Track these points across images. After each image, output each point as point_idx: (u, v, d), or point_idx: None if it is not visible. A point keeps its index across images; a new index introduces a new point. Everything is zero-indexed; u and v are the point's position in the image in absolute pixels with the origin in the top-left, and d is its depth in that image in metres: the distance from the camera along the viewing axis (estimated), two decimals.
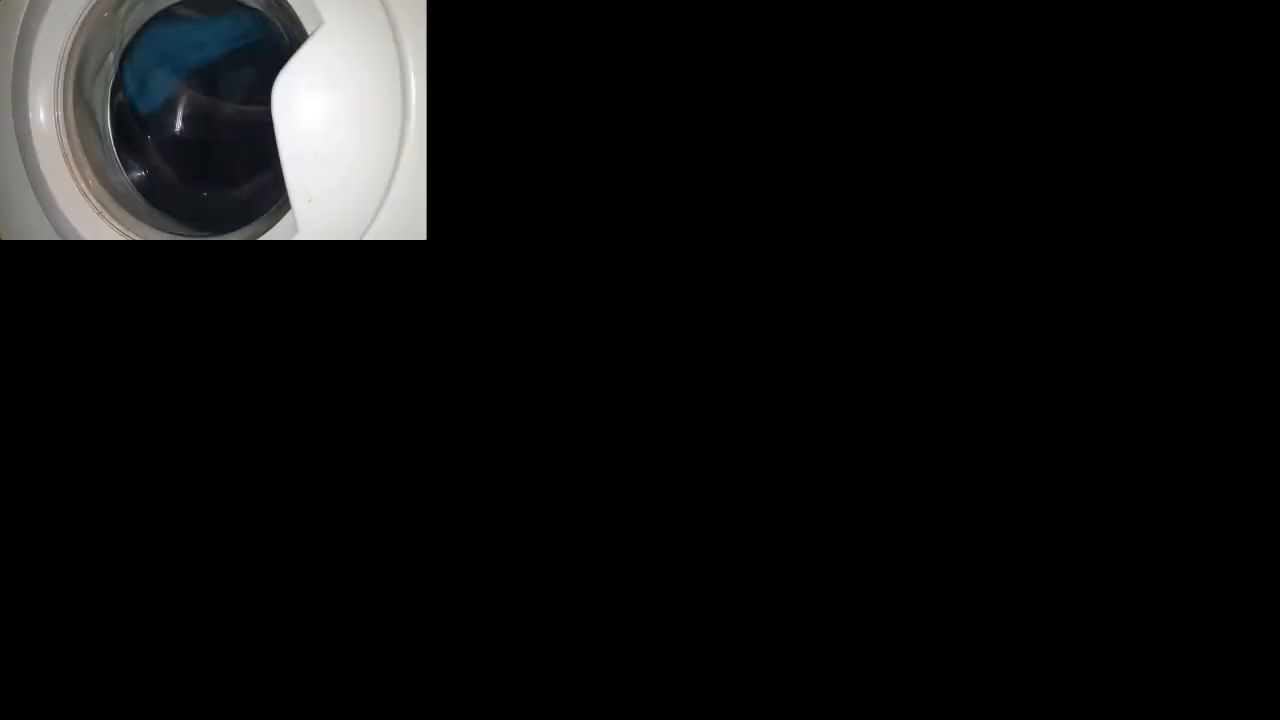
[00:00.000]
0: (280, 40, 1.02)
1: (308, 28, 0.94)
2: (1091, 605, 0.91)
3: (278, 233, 0.98)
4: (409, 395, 0.92)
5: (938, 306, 0.92)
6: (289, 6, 0.96)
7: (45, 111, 1.02)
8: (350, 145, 0.97)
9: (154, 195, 1.13)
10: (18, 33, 1.01)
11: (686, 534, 0.93)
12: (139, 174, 1.13)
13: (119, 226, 1.03)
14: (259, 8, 1.06)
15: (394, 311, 0.92)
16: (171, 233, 1.06)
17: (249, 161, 1.10)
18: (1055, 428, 0.92)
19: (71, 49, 1.02)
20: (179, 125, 1.16)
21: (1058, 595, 0.91)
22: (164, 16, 1.08)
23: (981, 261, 0.92)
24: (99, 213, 1.03)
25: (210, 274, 0.92)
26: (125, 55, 1.08)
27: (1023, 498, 0.92)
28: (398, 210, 0.99)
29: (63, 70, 1.02)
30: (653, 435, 0.93)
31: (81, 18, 1.02)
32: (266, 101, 0.92)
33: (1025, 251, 0.92)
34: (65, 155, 1.03)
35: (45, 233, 1.03)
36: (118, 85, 1.10)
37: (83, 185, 1.03)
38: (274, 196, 1.01)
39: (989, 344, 0.92)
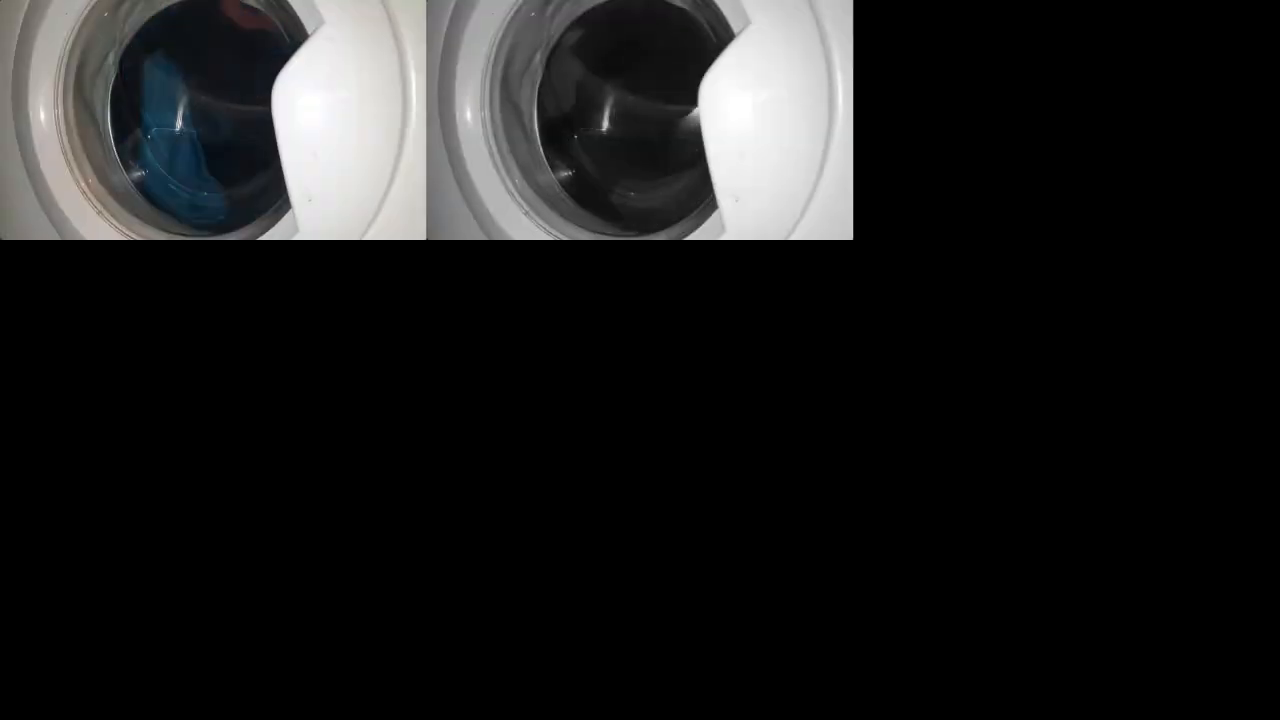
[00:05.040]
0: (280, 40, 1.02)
1: (308, 27, 0.95)
2: (1092, 605, 0.91)
3: (278, 233, 0.99)
4: (408, 395, 0.92)
5: (937, 306, 0.92)
6: (289, 6, 0.96)
7: (45, 111, 1.02)
8: (350, 145, 0.97)
9: (153, 195, 1.13)
10: (18, 32, 1.02)
11: (685, 534, 0.93)
12: (139, 174, 1.14)
13: (119, 226, 1.03)
14: (260, 7, 1.07)
15: (394, 311, 0.92)
16: (171, 232, 1.06)
17: (248, 161, 1.10)
18: (1056, 428, 0.92)
19: (72, 48, 1.02)
20: (179, 125, 1.17)
21: (1058, 595, 0.91)
22: (163, 17, 1.08)
23: (980, 261, 0.92)
24: (99, 212, 1.03)
25: (210, 274, 0.92)
26: (126, 55, 1.09)
27: (1023, 497, 0.92)
28: (397, 210, 0.99)
29: (63, 69, 1.02)
30: (651, 435, 0.93)
31: (82, 17, 1.02)
32: (265, 101, 0.93)
33: (1025, 250, 0.92)
34: (65, 155, 1.03)
35: (45, 232, 1.04)
36: (118, 84, 1.10)
37: (83, 185, 1.04)
38: (274, 196, 1.01)
39: (988, 343, 0.92)
